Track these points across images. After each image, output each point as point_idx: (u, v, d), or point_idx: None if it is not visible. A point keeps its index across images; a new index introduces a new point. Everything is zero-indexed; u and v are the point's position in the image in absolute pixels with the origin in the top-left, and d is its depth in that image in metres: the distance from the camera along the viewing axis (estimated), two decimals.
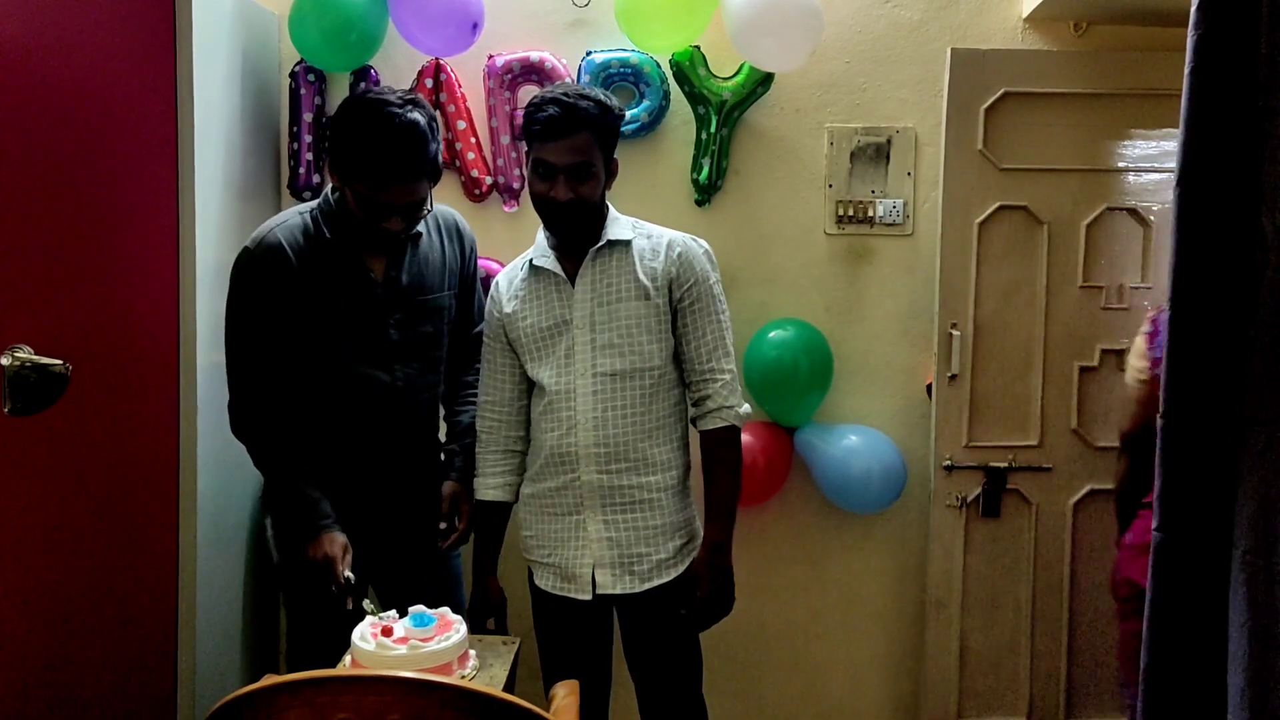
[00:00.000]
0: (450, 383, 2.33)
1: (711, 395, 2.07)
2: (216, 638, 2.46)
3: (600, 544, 2.07)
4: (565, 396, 2.06)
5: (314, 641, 2.09)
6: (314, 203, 2.13)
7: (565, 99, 1.98)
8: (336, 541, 2.05)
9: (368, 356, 2.10)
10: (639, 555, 2.07)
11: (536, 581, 2.17)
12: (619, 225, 2.10)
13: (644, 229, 2.13)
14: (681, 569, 2.10)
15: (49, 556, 2.34)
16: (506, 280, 2.19)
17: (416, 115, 1.97)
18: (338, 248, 2.06)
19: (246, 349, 2.09)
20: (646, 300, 2.04)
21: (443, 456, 2.31)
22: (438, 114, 2.48)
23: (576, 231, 2.06)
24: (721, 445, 2.09)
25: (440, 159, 2.05)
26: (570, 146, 1.97)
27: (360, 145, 1.96)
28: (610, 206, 2.13)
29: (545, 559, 2.13)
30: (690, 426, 2.17)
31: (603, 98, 2.02)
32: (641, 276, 2.05)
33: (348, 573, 2.01)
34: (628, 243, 2.08)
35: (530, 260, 2.14)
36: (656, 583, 2.07)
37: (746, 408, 2.11)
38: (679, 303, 2.07)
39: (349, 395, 2.11)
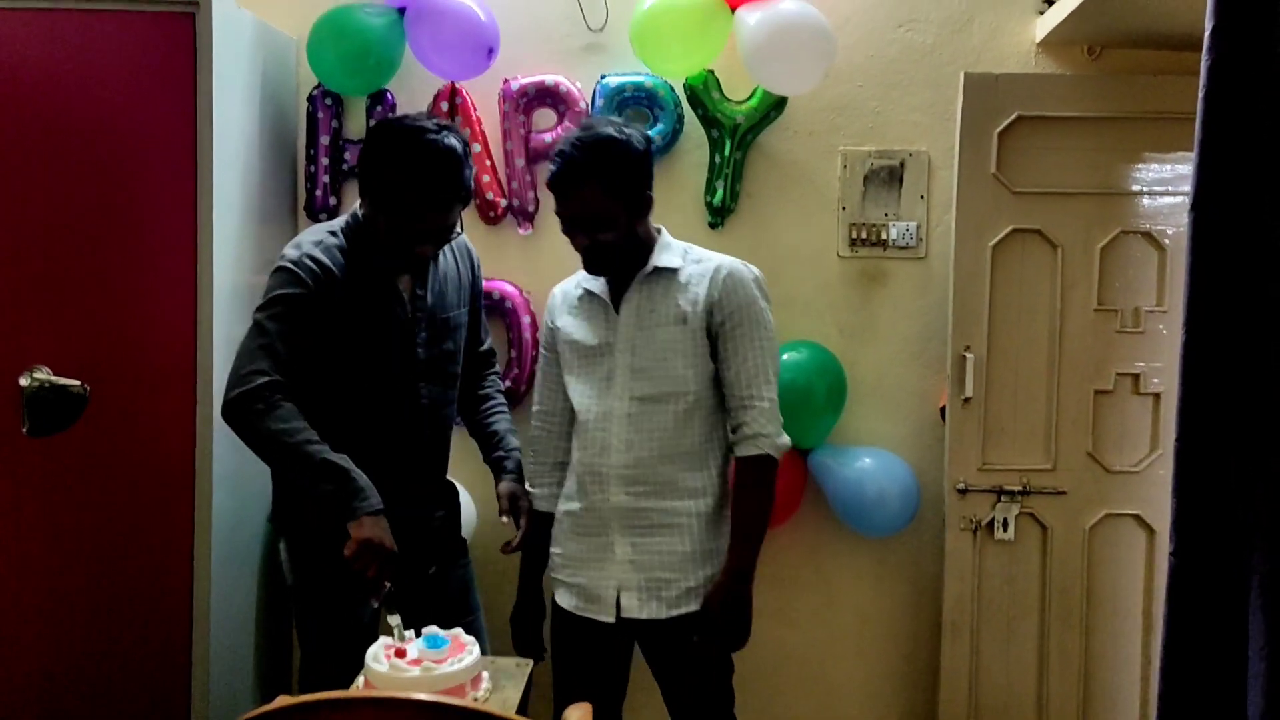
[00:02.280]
0: (470, 398, 2.36)
1: (747, 422, 2.03)
2: (230, 658, 2.46)
3: (624, 567, 2.06)
4: (602, 419, 2.07)
5: (327, 663, 2.09)
6: (339, 221, 2.12)
7: (566, 152, 1.98)
8: (388, 530, 1.90)
9: (397, 377, 2.11)
10: (665, 580, 2.05)
11: (558, 600, 2.17)
12: (669, 252, 2.09)
13: (695, 254, 2.11)
14: None
15: (64, 575, 2.35)
16: (562, 293, 2.21)
17: (453, 141, 1.97)
18: (369, 267, 2.06)
19: (282, 341, 1.96)
20: (683, 325, 2.03)
21: (493, 459, 2.30)
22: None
23: (607, 271, 2.08)
24: (752, 473, 2.04)
25: (472, 182, 2.05)
26: (576, 201, 1.99)
27: (397, 172, 1.96)
28: (663, 231, 2.13)
29: (569, 579, 2.13)
30: None
31: (607, 139, 1.98)
32: (682, 303, 2.04)
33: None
34: (675, 270, 2.07)
35: (581, 283, 2.16)
36: (684, 610, 2.04)
37: (785, 438, 2.06)
38: (719, 327, 2.04)
39: (379, 416, 2.11)
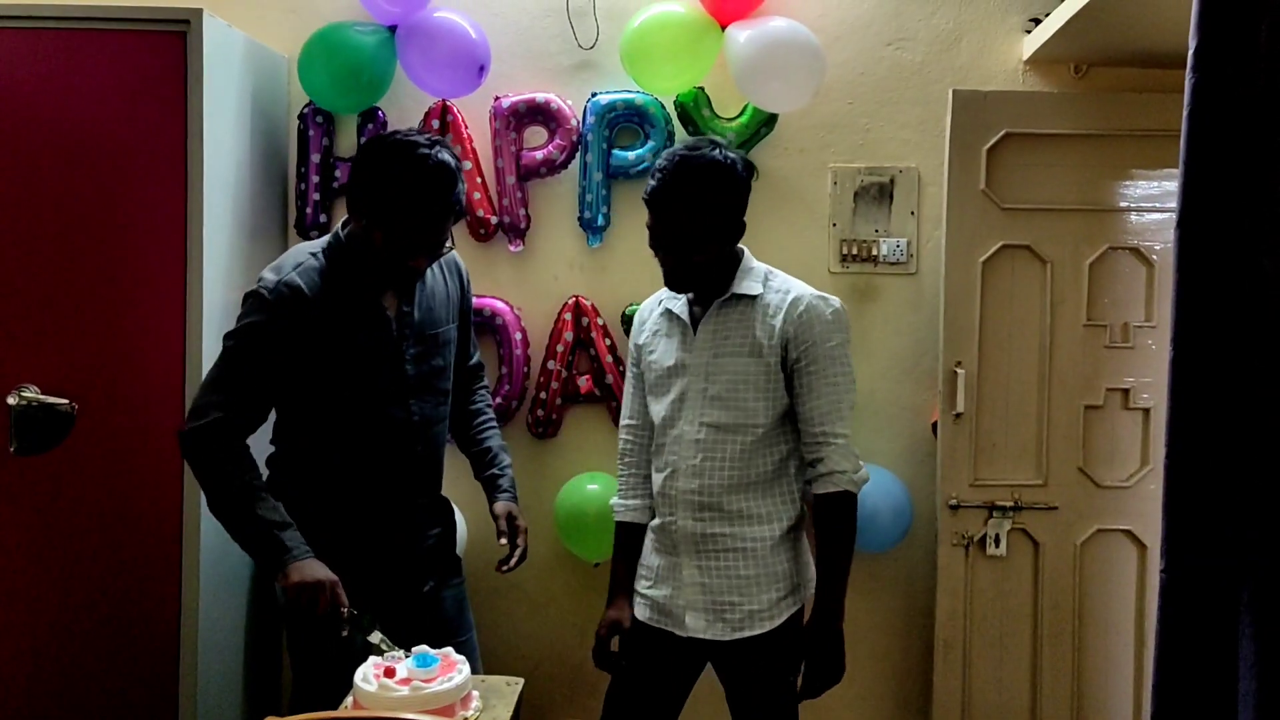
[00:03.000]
0: (460, 413, 2.35)
1: (824, 459, 2.02)
2: (218, 678, 2.44)
3: (693, 588, 2.07)
4: (673, 442, 2.08)
5: (317, 683, 2.07)
6: (321, 242, 2.11)
7: (669, 170, 1.97)
8: (323, 566, 1.93)
9: (386, 394, 2.10)
10: (730, 604, 2.05)
11: (635, 611, 2.17)
12: (750, 278, 2.07)
13: (776, 282, 2.09)
14: (778, 622, 2.06)
15: (51, 594, 2.34)
16: (648, 310, 2.23)
17: (446, 156, 1.99)
18: (353, 287, 2.06)
19: (246, 374, 1.99)
20: (758, 357, 2.02)
21: (486, 477, 2.31)
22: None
23: (689, 289, 2.07)
24: (832, 511, 2.03)
25: (464, 196, 2.06)
26: (671, 220, 1.98)
27: (393, 187, 1.96)
28: (746, 253, 2.11)
29: (647, 590, 2.15)
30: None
31: (713, 164, 1.97)
32: (758, 333, 2.03)
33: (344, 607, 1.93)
34: (754, 298, 2.05)
35: (664, 301, 2.17)
36: (749, 633, 2.04)
37: (863, 471, 2.05)
38: (795, 363, 2.02)
39: (371, 433, 2.10)
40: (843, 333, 2.06)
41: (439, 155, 1.98)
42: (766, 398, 2.03)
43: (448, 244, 2.08)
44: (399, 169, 1.96)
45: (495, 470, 2.30)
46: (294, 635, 2.20)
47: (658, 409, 2.12)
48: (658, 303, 2.20)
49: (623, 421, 2.26)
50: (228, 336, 2.00)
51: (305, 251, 2.08)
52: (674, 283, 2.07)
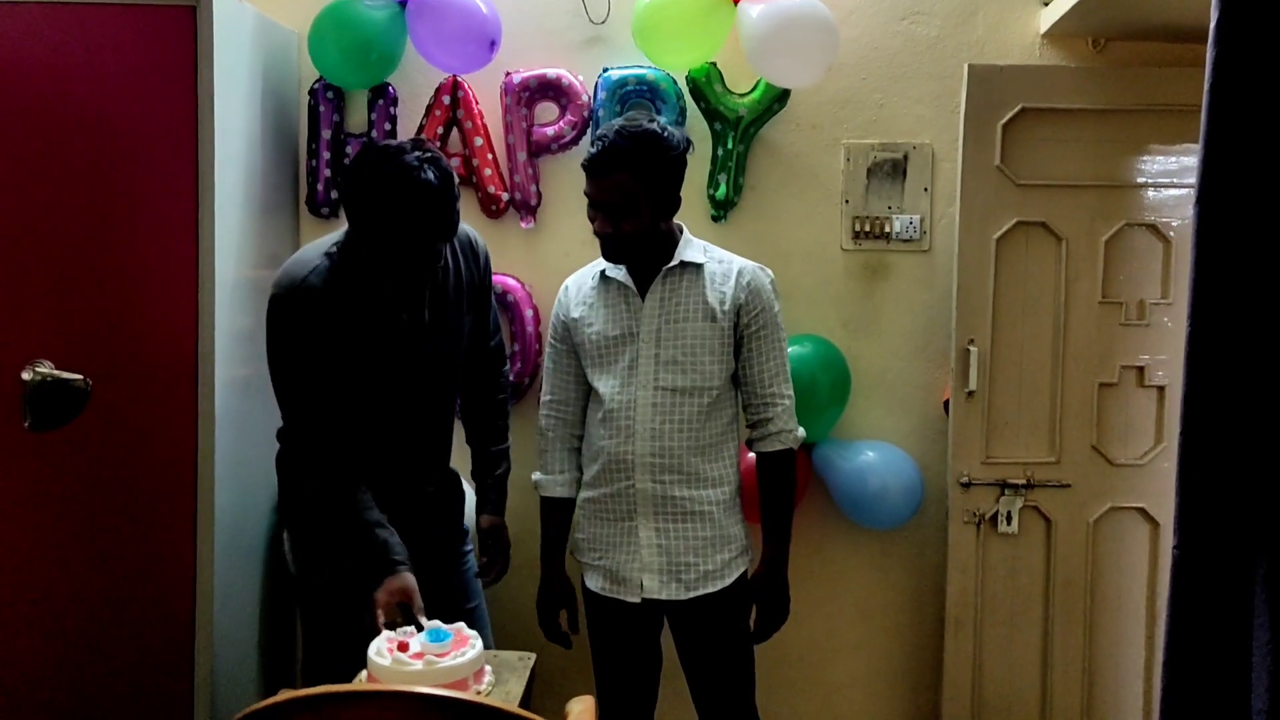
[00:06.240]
0: (474, 408, 2.33)
1: (772, 419, 2.15)
2: (233, 651, 2.46)
3: (650, 550, 2.13)
4: (626, 407, 2.12)
5: (330, 655, 2.09)
6: (334, 238, 2.07)
7: (608, 138, 2.03)
8: (411, 580, 1.97)
9: (402, 383, 2.10)
10: (687, 564, 2.13)
11: (587, 583, 2.23)
12: (692, 249, 2.17)
13: (715, 254, 2.19)
14: (728, 581, 2.15)
15: (68, 568, 2.36)
16: (576, 285, 2.25)
17: (432, 175, 1.87)
18: (361, 285, 2.02)
19: (299, 386, 2.03)
20: (712, 322, 2.11)
21: (474, 487, 2.33)
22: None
23: (622, 259, 2.13)
24: (779, 467, 2.18)
25: (457, 216, 1.97)
26: (607, 185, 2.04)
27: (370, 201, 1.88)
28: (685, 229, 2.19)
29: (596, 561, 2.20)
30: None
31: (649, 134, 2.03)
32: (710, 299, 2.12)
33: (422, 619, 1.92)
34: (700, 266, 2.14)
35: (602, 270, 2.20)
36: (702, 592, 2.13)
37: (802, 431, 2.19)
38: (745, 329, 2.13)
39: (388, 423, 2.11)
40: (779, 300, 2.20)
41: (425, 174, 1.85)
42: (719, 360, 2.12)
43: (439, 261, 2.03)
44: (378, 182, 1.87)
45: (489, 480, 2.31)
46: (308, 608, 2.22)
47: (605, 378, 2.16)
48: (590, 275, 2.23)
49: (543, 398, 2.28)
50: (270, 357, 2.04)
51: (319, 253, 2.04)
52: (610, 252, 2.13)
